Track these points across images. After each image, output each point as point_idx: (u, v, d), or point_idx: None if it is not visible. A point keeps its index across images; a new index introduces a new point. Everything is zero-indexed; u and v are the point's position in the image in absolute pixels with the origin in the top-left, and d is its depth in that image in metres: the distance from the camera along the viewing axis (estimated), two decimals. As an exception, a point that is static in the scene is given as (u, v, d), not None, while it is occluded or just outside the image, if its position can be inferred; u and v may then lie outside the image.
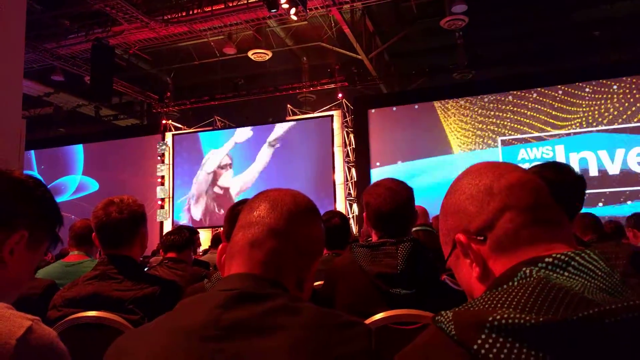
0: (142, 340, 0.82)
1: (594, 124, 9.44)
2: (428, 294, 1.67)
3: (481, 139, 10.20)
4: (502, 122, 10.10)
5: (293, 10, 7.70)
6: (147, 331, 0.84)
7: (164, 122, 12.60)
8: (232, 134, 12.03)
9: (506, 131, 10.05)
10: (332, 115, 11.22)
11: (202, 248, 6.27)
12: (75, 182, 13.39)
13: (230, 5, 8.43)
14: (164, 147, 12.40)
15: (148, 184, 12.37)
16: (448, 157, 10.36)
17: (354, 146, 11.30)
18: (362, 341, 0.78)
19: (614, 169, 9.21)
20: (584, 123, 9.51)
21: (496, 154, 10.02)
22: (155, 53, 10.95)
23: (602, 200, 9.18)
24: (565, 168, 1.67)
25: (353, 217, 10.77)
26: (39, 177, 0.98)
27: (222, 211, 11.45)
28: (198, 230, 3.79)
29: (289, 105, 11.57)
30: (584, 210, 1.78)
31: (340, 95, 11.09)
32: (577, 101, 9.61)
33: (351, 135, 11.37)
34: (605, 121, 9.37)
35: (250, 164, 11.75)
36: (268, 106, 11.91)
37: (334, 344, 0.76)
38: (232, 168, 11.89)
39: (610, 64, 9.44)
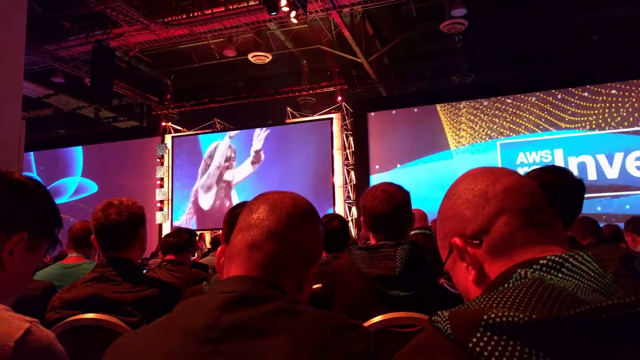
0: (141, 342, 0.82)
1: (593, 127, 9.46)
2: (426, 296, 1.67)
3: (480, 143, 10.21)
4: (501, 126, 10.11)
5: (293, 14, 7.71)
6: (146, 333, 0.84)
7: (163, 124, 12.61)
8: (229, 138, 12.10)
9: (505, 135, 10.06)
10: (331, 118, 11.23)
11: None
12: (74, 183, 13.38)
13: (231, 8, 8.44)
14: (163, 149, 12.40)
15: (147, 186, 12.36)
16: (447, 160, 10.37)
17: (353, 149, 11.31)
18: (361, 344, 0.78)
19: (612, 173, 9.22)
20: (583, 127, 9.53)
21: (495, 158, 10.04)
22: (156, 55, 10.96)
23: (601, 204, 9.19)
24: (564, 172, 1.67)
25: (352, 220, 10.77)
26: (38, 178, 0.98)
27: (228, 204, 11.50)
28: (197, 232, 3.80)
29: (288, 108, 11.58)
30: (582, 214, 1.79)
31: (339, 98, 11.10)
32: (576, 105, 9.63)
33: (350, 138, 11.38)
34: (604, 125, 9.39)
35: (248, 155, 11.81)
36: (268, 109, 11.92)
37: (332, 347, 0.76)
38: (235, 160, 11.94)
39: (610, 68, 9.46)
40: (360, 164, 11.05)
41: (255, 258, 0.89)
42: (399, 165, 10.68)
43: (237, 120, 12.19)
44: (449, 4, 8.29)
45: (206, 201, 12.03)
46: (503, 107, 10.14)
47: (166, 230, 11.55)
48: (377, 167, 10.93)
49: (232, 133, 12.03)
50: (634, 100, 9.24)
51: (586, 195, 1.66)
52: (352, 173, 11.22)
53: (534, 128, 9.86)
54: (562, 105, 9.70)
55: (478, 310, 0.62)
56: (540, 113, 9.84)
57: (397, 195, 1.83)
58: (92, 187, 13.17)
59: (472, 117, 10.35)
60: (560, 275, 0.65)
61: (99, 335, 1.56)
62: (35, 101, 11.51)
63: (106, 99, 9.84)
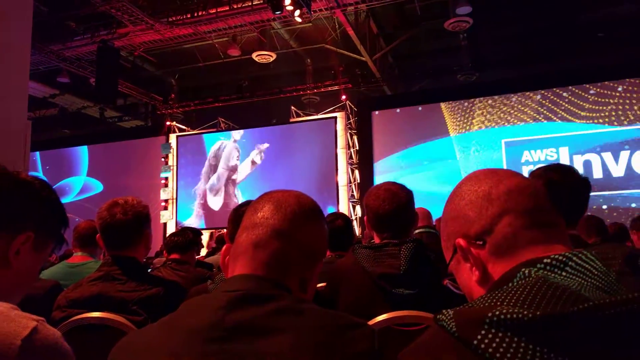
0: (146, 341, 0.83)
1: (599, 125, 9.40)
2: (430, 294, 1.67)
3: (485, 141, 10.18)
4: (505, 124, 10.08)
5: (297, 12, 7.71)
6: (151, 332, 0.85)
7: (168, 123, 12.64)
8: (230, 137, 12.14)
9: (510, 133, 10.02)
10: (335, 117, 11.22)
11: (203, 250, 6.20)
12: (79, 183, 13.44)
13: (235, 7, 8.45)
14: (168, 148, 12.43)
15: (152, 185, 12.40)
16: (451, 158, 10.35)
17: (357, 148, 11.30)
18: (366, 342, 0.79)
19: (618, 171, 9.16)
20: (588, 125, 9.47)
21: (500, 156, 10.00)
22: (160, 55, 10.99)
23: (606, 202, 9.14)
24: (569, 170, 1.67)
25: (356, 218, 10.76)
26: (44, 178, 0.98)
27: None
28: (202, 231, 3.80)
29: (292, 107, 11.58)
30: (587, 212, 1.78)
31: (344, 97, 11.09)
32: (582, 103, 9.58)
33: (355, 137, 11.36)
34: (609, 123, 9.33)
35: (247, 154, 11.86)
36: (272, 108, 11.93)
37: (337, 345, 0.76)
38: (239, 159, 11.99)
39: (614, 66, 9.40)
40: (365, 162, 11.04)
41: (259, 257, 0.89)
42: (402, 164, 10.66)
43: (241, 119, 12.20)
44: (453, 1, 8.25)
45: (216, 203, 12.06)
46: (508, 105, 10.09)
47: (171, 229, 11.59)
48: (381, 166, 10.91)
49: (238, 135, 12.03)
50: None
51: (591, 193, 1.66)
52: (356, 172, 11.21)
53: (539, 126, 9.82)
54: (568, 103, 9.65)
55: (483, 308, 0.63)
56: (546, 111, 9.80)
57: (400, 194, 1.83)
58: (97, 187, 13.22)
59: (476, 116, 10.32)
60: (564, 273, 0.66)
61: (104, 334, 1.57)
62: (41, 101, 11.56)
63: (111, 98, 9.88)
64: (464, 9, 8.08)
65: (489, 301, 0.64)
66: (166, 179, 12.37)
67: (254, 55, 9.74)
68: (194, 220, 12.02)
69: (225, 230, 2.31)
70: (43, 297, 1.92)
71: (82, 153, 13.63)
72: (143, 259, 1.94)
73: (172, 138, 12.63)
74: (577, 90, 9.60)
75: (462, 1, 8.05)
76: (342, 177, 11.01)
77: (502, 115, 10.11)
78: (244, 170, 11.86)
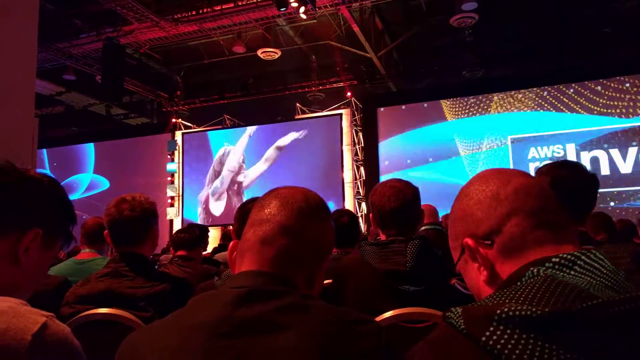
0: (154, 336, 0.83)
1: (606, 122, 9.34)
2: (437, 291, 1.67)
3: (491, 138, 10.13)
4: (511, 121, 10.02)
5: (302, 9, 7.70)
6: (159, 328, 0.85)
7: (173, 120, 12.68)
8: (244, 132, 12.10)
9: (516, 130, 9.97)
10: (341, 114, 11.20)
11: (210, 247, 6.21)
12: (86, 180, 13.52)
13: (240, 4, 8.45)
14: (174, 145, 12.47)
15: (158, 182, 12.45)
16: (457, 155, 10.31)
17: (362, 145, 11.28)
18: (373, 338, 0.78)
19: (626, 168, 9.10)
20: (595, 121, 9.41)
21: (506, 153, 9.96)
22: (166, 52, 11.01)
23: (614, 199, 9.08)
24: (577, 167, 1.66)
25: (362, 215, 10.75)
26: (52, 175, 0.99)
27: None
28: (209, 228, 3.82)
29: (298, 104, 11.57)
30: (595, 209, 1.77)
31: (349, 93, 11.07)
32: (588, 99, 9.51)
33: (360, 134, 11.34)
34: (617, 119, 9.26)
35: (258, 159, 11.79)
36: (277, 105, 11.92)
37: (344, 341, 0.76)
38: (245, 162, 11.96)
39: (622, 62, 9.32)
40: (370, 159, 11.02)
41: (266, 253, 0.89)
42: (408, 161, 10.64)
43: (246, 116, 12.22)
44: (459, -3, 8.21)
45: (217, 208, 12.09)
46: (514, 101, 10.04)
47: (177, 226, 11.64)
48: (386, 162, 10.89)
49: (251, 131, 12.03)
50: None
51: (599, 190, 1.65)
52: (362, 168, 11.20)
53: (545, 123, 9.76)
54: (574, 99, 9.58)
55: (491, 305, 0.63)
56: (552, 107, 9.74)
57: (406, 192, 1.82)
58: (104, 184, 13.30)
59: (482, 112, 10.27)
60: (572, 272, 0.66)
61: (112, 330, 1.58)
62: (48, 99, 11.62)
63: (117, 96, 9.91)
64: (470, 5, 8.02)
65: (498, 299, 0.65)
66: (172, 175, 12.42)
67: (259, 52, 9.73)
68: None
69: (231, 227, 2.32)
70: (52, 293, 1.93)
71: (89, 150, 13.71)
72: (150, 255, 1.95)
73: (178, 135, 12.67)
74: (583, 86, 9.53)
75: (467, -3, 7.99)
76: (348, 174, 11.00)
77: (507, 111, 10.06)
78: (253, 173, 11.84)
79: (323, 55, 11.00)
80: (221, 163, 12.17)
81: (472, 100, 10.34)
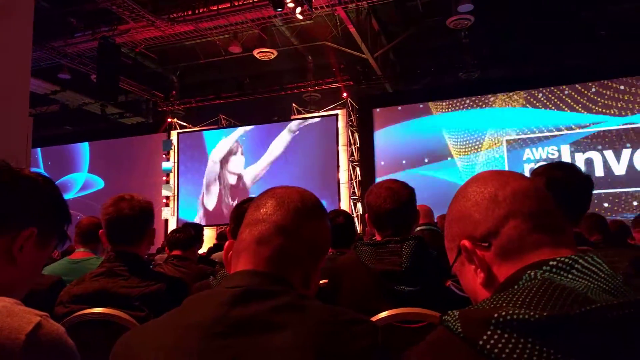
0: (149, 336, 0.83)
1: (600, 123, 9.39)
2: (432, 292, 1.67)
3: (486, 139, 10.17)
4: (506, 122, 10.06)
5: (298, 9, 7.70)
6: (154, 327, 0.85)
7: (169, 120, 12.64)
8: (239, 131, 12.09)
9: (511, 131, 10.01)
10: (337, 115, 11.21)
11: (205, 246, 6.19)
12: (81, 179, 13.46)
13: (236, 4, 8.44)
14: (169, 145, 12.44)
15: (153, 182, 12.42)
16: (452, 156, 10.34)
17: (358, 145, 11.29)
18: (369, 338, 0.79)
19: (620, 169, 9.16)
20: (590, 123, 9.46)
21: (501, 154, 9.99)
22: (161, 51, 10.98)
23: (608, 200, 9.13)
24: (572, 168, 1.67)
25: (357, 216, 10.76)
26: (46, 174, 0.99)
27: (236, 201, 11.46)
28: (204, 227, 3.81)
29: (294, 105, 11.57)
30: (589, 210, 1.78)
31: (345, 94, 11.08)
32: (584, 100, 9.56)
33: (356, 135, 11.36)
34: (612, 121, 9.32)
35: (261, 152, 11.73)
36: (273, 105, 11.91)
37: (340, 341, 0.76)
38: (243, 154, 11.87)
39: (617, 64, 9.37)
40: (366, 160, 11.03)
41: (262, 253, 0.89)
42: (404, 161, 10.66)
43: (242, 116, 12.21)
44: (455, -1, 8.24)
45: (210, 201, 12.06)
46: (509, 103, 10.08)
47: (172, 225, 11.61)
48: (382, 163, 10.91)
49: (246, 130, 12.00)
50: (642, 95, 9.16)
51: (593, 191, 1.66)
52: (358, 169, 11.21)
53: (541, 124, 9.80)
54: (570, 100, 9.63)
55: (489, 309, 0.63)
56: (547, 109, 9.78)
57: (401, 193, 1.82)
58: (98, 183, 13.24)
59: (478, 114, 10.30)
60: (570, 276, 0.65)
61: (107, 330, 1.57)
62: (42, 97, 11.56)
63: (112, 95, 9.87)
64: (466, 7, 8.05)
65: (495, 302, 0.64)
66: (167, 175, 12.39)
67: (255, 53, 9.72)
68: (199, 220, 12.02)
69: (227, 226, 2.32)
70: (45, 293, 1.92)
71: (84, 150, 13.65)
72: (145, 255, 1.95)
73: (173, 135, 12.64)
74: (579, 88, 9.58)
75: (463, -2, 8.02)
76: (344, 175, 11.01)
77: (503, 112, 10.10)
78: (253, 171, 11.79)
79: (319, 55, 11.00)
80: (219, 162, 12.13)
81: (467, 102, 10.37)
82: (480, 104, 10.30)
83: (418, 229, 3.33)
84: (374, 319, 1.50)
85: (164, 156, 12.52)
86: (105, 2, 8.08)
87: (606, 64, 9.41)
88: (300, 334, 0.76)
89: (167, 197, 12.30)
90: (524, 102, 9.99)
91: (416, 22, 9.68)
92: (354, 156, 11.24)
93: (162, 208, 12.10)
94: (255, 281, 0.85)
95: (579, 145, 9.47)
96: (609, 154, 9.25)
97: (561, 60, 9.76)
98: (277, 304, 0.80)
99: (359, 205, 10.96)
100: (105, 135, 13.44)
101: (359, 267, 1.75)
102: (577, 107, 9.58)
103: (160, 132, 12.78)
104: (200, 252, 4.14)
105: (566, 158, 9.40)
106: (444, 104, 10.58)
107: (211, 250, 5.18)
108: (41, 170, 13.26)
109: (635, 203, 8.97)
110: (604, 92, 9.43)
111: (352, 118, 11.34)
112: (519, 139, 9.93)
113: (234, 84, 11.68)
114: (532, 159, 9.74)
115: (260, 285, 0.84)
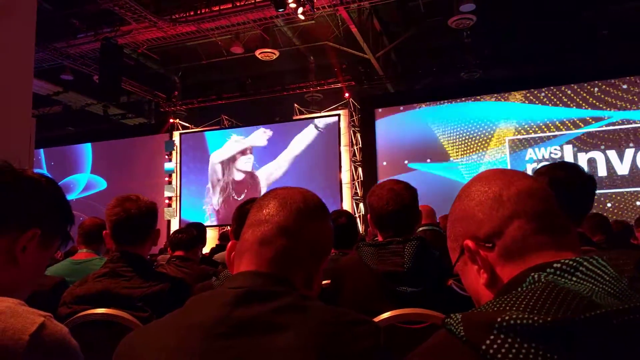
0: (152, 337, 0.83)
1: (603, 123, 9.37)
2: (435, 292, 1.67)
3: (488, 139, 10.15)
4: (509, 122, 10.04)
5: (300, 10, 7.70)
6: (157, 328, 0.85)
7: (171, 121, 12.66)
8: (240, 133, 12.06)
9: (514, 131, 9.99)
10: (339, 115, 11.21)
11: (207, 247, 6.21)
12: (83, 180, 13.49)
13: (238, 4, 8.45)
14: (171, 146, 12.46)
15: (155, 182, 12.44)
16: (455, 156, 10.32)
17: (360, 145, 11.28)
18: (371, 339, 0.78)
19: (623, 169, 9.13)
20: (592, 122, 9.43)
21: (504, 154, 9.98)
22: (164, 52, 10.99)
23: (611, 200, 9.11)
24: (575, 168, 1.66)
25: (359, 216, 10.75)
26: (49, 175, 0.99)
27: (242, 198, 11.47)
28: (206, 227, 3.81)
29: (296, 105, 11.57)
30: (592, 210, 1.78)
31: (347, 94, 11.08)
32: (586, 100, 9.54)
33: (358, 135, 11.35)
34: (614, 120, 9.29)
35: (273, 152, 11.68)
36: (275, 106, 11.92)
37: (342, 342, 0.76)
38: (254, 154, 11.84)
39: (619, 64, 9.35)
40: (368, 160, 11.02)
41: (265, 254, 0.89)
42: (406, 161, 10.65)
43: (244, 117, 12.21)
44: (457, -1, 8.23)
45: (215, 199, 12.07)
46: (511, 102, 10.06)
47: (174, 226, 11.62)
48: (384, 163, 10.90)
49: (255, 142, 11.98)
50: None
51: (596, 191, 1.65)
52: (360, 169, 11.20)
53: (543, 124, 9.78)
54: (572, 100, 9.61)
55: (492, 312, 0.62)
56: (550, 108, 9.76)
57: (404, 194, 1.82)
58: (101, 184, 13.27)
59: (479, 114, 10.29)
60: (574, 279, 0.64)
61: (110, 330, 1.57)
62: (45, 98, 11.58)
63: (114, 96, 9.89)
64: (468, 7, 8.04)
65: (498, 306, 0.63)
66: (170, 176, 12.41)
67: (257, 53, 9.73)
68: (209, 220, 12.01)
69: (229, 227, 2.32)
70: (48, 294, 1.93)
71: (86, 150, 13.68)
72: (147, 255, 1.95)
73: (176, 135, 12.66)
74: (581, 88, 9.56)
75: (465, -2, 8.01)
76: (346, 175, 11.00)
77: (505, 112, 10.08)
78: (268, 170, 11.77)
79: (321, 56, 11.00)
80: (221, 160, 12.12)
81: (469, 101, 10.36)
82: (483, 104, 10.27)
83: (420, 229, 3.33)
84: (376, 319, 1.49)
85: (166, 157, 12.54)
86: (108, 3, 8.10)
87: (607, 63, 9.39)
88: (302, 334, 0.76)
89: (170, 198, 12.32)
90: (526, 102, 9.96)
91: (418, 22, 9.67)
92: (356, 156, 11.24)
93: (165, 209, 12.11)
94: (258, 282, 0.85)
95: (582, 144, 9.45)
96: (612, 154, 9.22)
97: (563, 60, 9.74)
98: (279, 304, 0.80)
99: (361, 205, 10.96)
100: (107, 136, 13.47)
101: (361, 267, 1.75)
102: (580, 107, 9.55)
103: (163, 133, 12.80)
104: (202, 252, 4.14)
105: (569, 158, 9.38)
106: (446, 104, 10.57)
107: (213, 250, 5.18)
108: (44, 171, 13.29)
109: (638, 203, 8.94)
110: (607, 91, 9.40)
111: (354, 118, 11.34)
112: (521, 138, 9.91)
113: (236, 85, 11.70)
114: (534, 159, 9.73)
115: (262, 286, 0.84)
